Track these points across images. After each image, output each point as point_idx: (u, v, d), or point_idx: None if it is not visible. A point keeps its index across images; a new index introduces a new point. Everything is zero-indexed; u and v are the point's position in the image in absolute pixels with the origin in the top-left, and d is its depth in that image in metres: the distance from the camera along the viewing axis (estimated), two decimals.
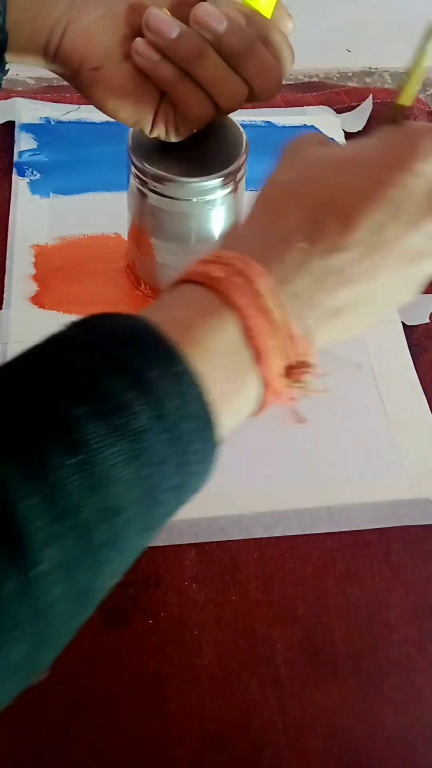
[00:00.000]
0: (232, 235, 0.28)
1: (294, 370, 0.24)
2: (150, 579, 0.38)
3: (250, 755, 0.34)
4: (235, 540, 0.40)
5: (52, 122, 0.58)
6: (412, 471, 0.42)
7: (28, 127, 0.58)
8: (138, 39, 0.33)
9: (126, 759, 0.34)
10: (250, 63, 0.33)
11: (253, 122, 0.59)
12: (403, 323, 0.49)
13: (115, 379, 0.20)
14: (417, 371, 0.47)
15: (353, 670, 0.36)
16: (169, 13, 0.33)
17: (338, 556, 0.40)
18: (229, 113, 0.36)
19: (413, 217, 0.25)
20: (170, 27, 0.32)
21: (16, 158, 0.56)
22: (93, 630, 0.37)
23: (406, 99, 0.30)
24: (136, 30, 0.33)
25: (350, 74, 1.14)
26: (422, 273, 0.27)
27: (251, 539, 0.40)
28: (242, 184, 0.43)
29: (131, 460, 0.19)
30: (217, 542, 0.40)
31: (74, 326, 0.22)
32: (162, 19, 0.32)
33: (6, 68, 0.34)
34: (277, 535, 0.40)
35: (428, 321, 0.49)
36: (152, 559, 0.39)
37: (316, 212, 0.25)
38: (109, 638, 0.36)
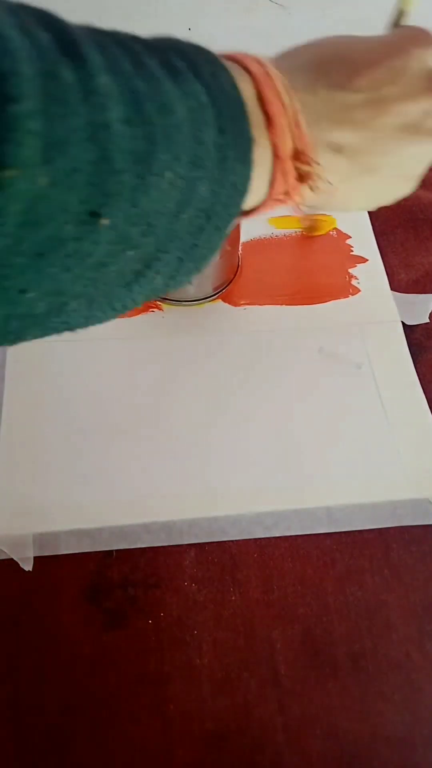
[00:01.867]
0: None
1: (301, 159, 0.26)
2: (150, 579, 0.38)
3: (250, 755, 0.34)
4: (235, 540, 0.40)
5: None
6: (411, 471, 0.42)
7: None
8: None
9: (126, 759, 0.34)
10: None
11: None
12: (403, 323, 0.49)
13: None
14: (417, 371, 0.47)
15: (353, 670, 0.36)
16: None
17: (338, 556, 0.40)
18: None
19: (411, 88, 0.28)
20: None
21: None
22: (93, 630, 0.37)
23: (407, 4, 0.33)
24: None
25: None
26: (420, 156, 0.29)
27: (251, 539, 0.40)
28: None
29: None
30: (216, 542, 0.40)
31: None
32: None
33: None
34: (277, 535, 0.40)
35: (428, 321, 0.49)
36: (152, 559, 0.39)
37: (324, 62, 0.27)
38: (109, 638, 0.36)
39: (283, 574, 0.39)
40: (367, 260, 0.53)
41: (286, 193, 0.27)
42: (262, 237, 0.53)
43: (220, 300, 0.50)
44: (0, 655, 0.36)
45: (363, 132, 0.27)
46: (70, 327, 0.23)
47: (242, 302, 0.50)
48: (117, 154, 0.19)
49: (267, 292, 0.50)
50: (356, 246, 0.53)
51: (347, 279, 0.51)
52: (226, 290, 0.50)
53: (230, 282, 0.50)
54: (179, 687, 0.35)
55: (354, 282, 0.51)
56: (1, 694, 0.35)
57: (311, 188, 0.27)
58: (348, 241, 0.54)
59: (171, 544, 0.39)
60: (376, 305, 0.50)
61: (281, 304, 0.50)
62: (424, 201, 0.57)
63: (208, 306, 0.49)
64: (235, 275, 0.51)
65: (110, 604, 0.37)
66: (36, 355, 0.45)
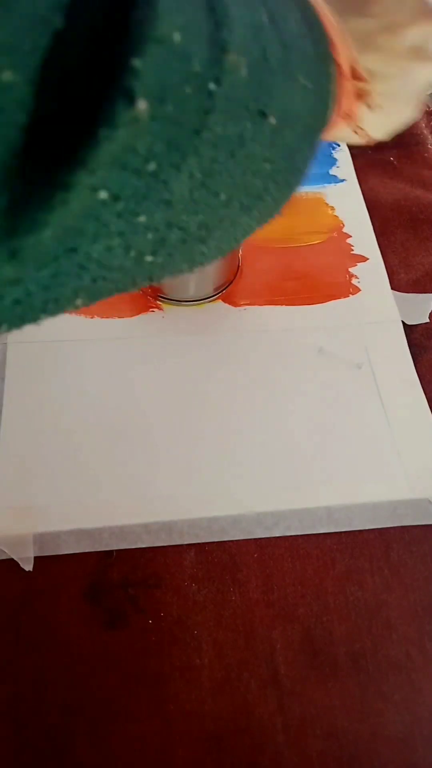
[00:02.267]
0: None
1: (358, 77, 0.27)
2: (150, 579, 0.38)
3: (250, 755, 0.34)
4: (235, 540, 0.40)
5: None
6: (411, 471, 0.42)
7: None
8: None
9: (126, 759, 0.34)
10: None
11: None
12: (403, 323, 0.49)
13: None
14: (417, 371, 0.47)
15: (353, 670, 0.36)
16: None
17: (338, 556, 0.40)
18: None
19: (411, 13, 0.28)
20: None
21: None
22: (93, 630, 0.37)
23: None
24: None
25: None
26: (425, 78, 0.30)
27: (251, 539, 0.40)
28: None
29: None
30: (217, 542, 0.40)
31: None
32: None
33: None
34: (277, 535, 0.40)
35: (428, 321, 0.49)
36: (152, 559, 0.39)
37: None
38: (109, 638, 0.36)
39: (283, 574, 0.39)
40: (368, 259, 0.53)
41: (347, 113, 0.27)
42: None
43: (220, 300, 0.50)
44: (0, 655, 0.36)
45: (383, 56, 0.28)
46: (205, 258, 0.22)
47: (242, 302, 0.50)
48: (271, 53, 0.19)
49: (267, 292, 0.50)
50: (356, 245, 0.53)
51: (347, 278, 0.51)
52: (226, 290, 0.50)
53: (230, 282, 0.50)
54: (179, 687, 0.35)
55: (354, 281, 0.51)
56: (1, 694, 0.35)
57: (369, 106, 0.28)
58: (348, 241, 0.54)
59: (171, 544, 0.39)
60: (376, 305, 0.50)
61: (281, 304, 0.50)
62: (424, 201, 0.57)
63: (208, 306, 0.49)
64: (235, 276, 0.51)
65: (110, 604, 0.37)
66: (36, 355, 0.45)
